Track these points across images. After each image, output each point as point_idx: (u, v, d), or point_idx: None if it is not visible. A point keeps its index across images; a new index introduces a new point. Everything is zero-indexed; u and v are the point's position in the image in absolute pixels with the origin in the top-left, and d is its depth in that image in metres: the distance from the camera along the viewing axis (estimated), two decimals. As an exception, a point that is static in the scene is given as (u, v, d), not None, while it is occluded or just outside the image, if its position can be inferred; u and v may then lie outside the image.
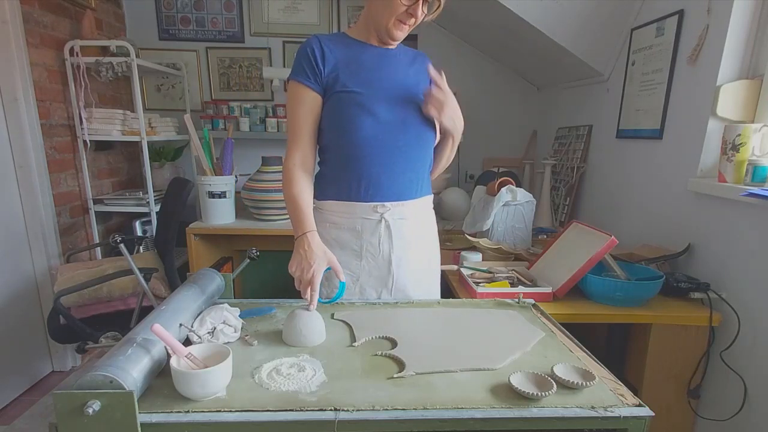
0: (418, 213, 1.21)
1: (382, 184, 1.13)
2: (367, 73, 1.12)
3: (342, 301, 1.14)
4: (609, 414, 0.69)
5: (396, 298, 1.19)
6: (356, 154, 1.11)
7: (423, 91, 1.13)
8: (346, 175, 1.14)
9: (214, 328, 0.89)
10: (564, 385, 0.74)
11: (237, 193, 2.32)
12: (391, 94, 1.12)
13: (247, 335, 0.92)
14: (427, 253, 1.26)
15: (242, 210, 2.36)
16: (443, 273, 1.71)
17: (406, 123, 1.12)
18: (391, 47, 1.17)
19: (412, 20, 1.07)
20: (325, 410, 0.68)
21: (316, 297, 0.98)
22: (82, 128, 2.26)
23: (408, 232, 1.18)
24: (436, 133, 1.18)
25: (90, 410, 0.60)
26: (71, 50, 2.19)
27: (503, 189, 1.93)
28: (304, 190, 1.11)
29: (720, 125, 1.44)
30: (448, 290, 1.63)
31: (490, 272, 1.59)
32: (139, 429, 0.63)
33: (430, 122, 1.15)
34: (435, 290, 1.30)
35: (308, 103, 1.11)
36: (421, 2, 1.04)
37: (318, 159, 1.20)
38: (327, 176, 1.19)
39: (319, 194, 1.20)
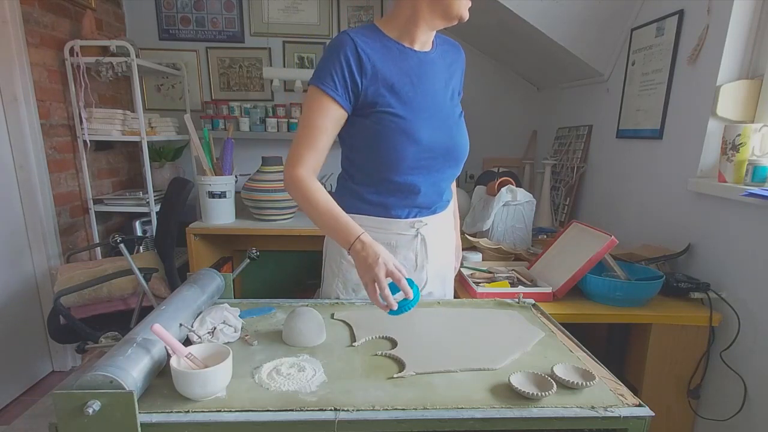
0: (444, 224, 1.19)
1: (421, 204, 1.09)
2: (409, 88, 1.00)
3: (342, 301, 1.14)
4: (609, 414, 0.69)
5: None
6: (397, 180, 1.04)
7: (455, 93, 1.10)
8: (383, 196, 1.07)
9: (214, 328, 0.89)
10: (564, 385, 0.74)
11: (237, 193, 2.32)
12: (434, 114, 1.03)
13: (247, 335, 0.92)
14: (449, 254, 1.26)
15: (242, 210, 2.36)
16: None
17: (449, 147, 1.06)
18: (427, 50, 1.05)
19: None
20: (325, 410, 0.68)
21: (391, 298, 0.86)
22: (82, 128, 2.26)
23: (438, 240, 1.16)
24: (468, 143, 1.14)
25: (90, 410, 0.60)
26: (71, 50, 2.19)
27: (503, 189, 1.93)
28: (329, 197, 0.99)
29: (720, 125, 1.44)
30: (448, 290, 1.63)
31: (490, 272, 1.59)
32: (139, 429, 0.63)
33: (466, 140, 1.11)
34: (450, 289, 1.30)
35: (332, 116, 0.98)
36: None
37: (344, 172, 1.13)
38: (358, 193, 1.09)
39: (349, 207, 1.04)
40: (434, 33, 1.06)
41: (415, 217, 1.10)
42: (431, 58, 1.05)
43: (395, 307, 0.87)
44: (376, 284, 0.86)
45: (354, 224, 0.94)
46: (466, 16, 0.99)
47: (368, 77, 0.97)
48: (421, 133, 1.00)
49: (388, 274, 0.87)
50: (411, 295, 0.87)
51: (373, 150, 1.02)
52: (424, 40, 1.03)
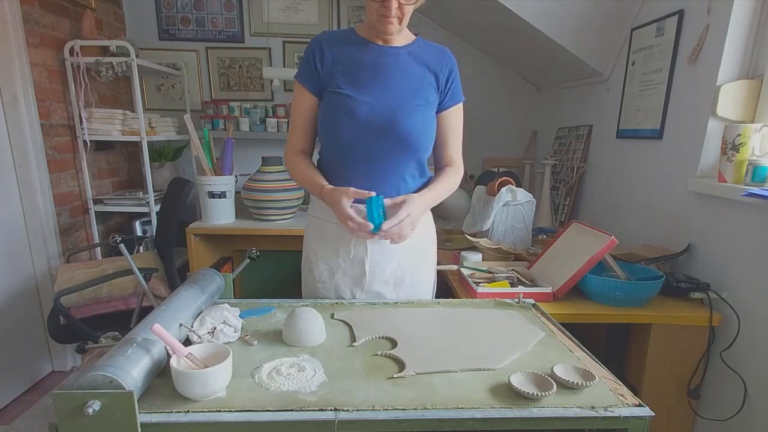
0: None
1: (359, 187, 1.10)
2: (363, 74, 1.11)
3: (342, 301, 1.15)
4: (609, 414, 0.69)
5: (369, 298, 1.19)
6: (336, 156, 1.14)
7: (424, 88, 1.12)
8: (328, 174, 1.16)
9: (214, 328, 0.89)
10: (564, 385, 0.74)
11: (237, 193, 2.32)
12: (381, 97, 1.10)
13: (247, 335, 0.92)
14: (412, 259, 1.21)
15: (242, 210, 2.36)
16: (443, 273, 1.71)
17: (389, 128, 1.09)
18: (396, 45, 1.14)
19: (392, 12, 1.03)
20: (325, 410, 0.68)
21: (362, 221, 1.01)
22: (82, 128, 2.26)
23: (389, 244, 1.15)
24: (428, 142, 1.15)
25: (90, 410, 0.60)
26: (71, 50, 2.19)
27: (503, 189, 1.93)
28: (309, 163, 1.19)
29: (720, 125, 1.44)
30: (448, 290, 1.63)
31: (490, 272, 1.59)
32: (139, 429, 0.63)
33: (420, 128, 1.12)
34: (423, 296, 1.27)
35: (305, 102, 1.16)
36: None
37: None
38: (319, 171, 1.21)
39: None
40: (410, 36, 1.16)
41: (355, 202, 1.10)
42: (396, 52, 1.14)
43: (370, 226, 1.01)
44: (348, 222, 1.03)
45: (320, 181, 1.13)
46: (385, 30, 1.08)
47: (327, 65, 1.13)
48: (359, 110, 1.09)
49: (351, 196, 1.03)
50: (370, 228, 1.01)
51: (322, 127, 1.15)
52: (394, 34, 1.11)
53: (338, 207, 1.04)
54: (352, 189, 1.04)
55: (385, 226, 1.02)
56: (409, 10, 1.05)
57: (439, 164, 1.23)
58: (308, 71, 1.14)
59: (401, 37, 1.14)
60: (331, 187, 1.09)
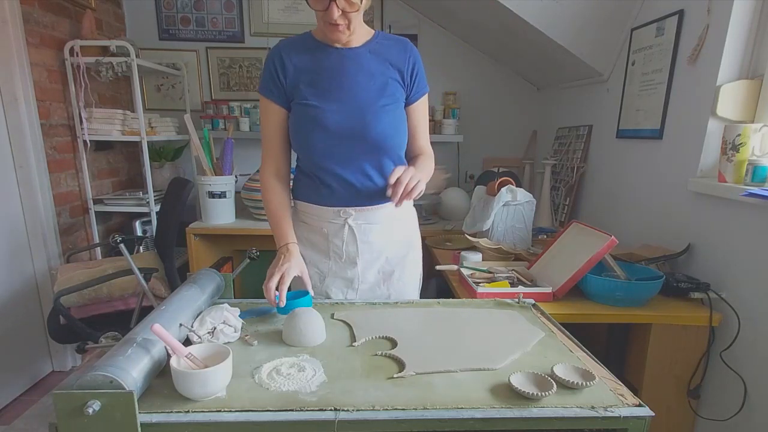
0: (388, 219, 1.20)
1: (340, 192, 1.14)
2: (327, 81, 1.10)
3: (342, 301, 1.15)
4: (609, 414, 0.69)
5: (361, 299, 1.20)
6: (315, 165, 1.14)
7: (389, 85, 1.11)
8: (310, 181, 1.17)
9: (214, 328, 0.89)
10: (564, 385, 0.74)
11: (237, 193, 2.32)
12: (348, 102, 1.09)
13: (247, 335, 0.92)
14: (400, 253, 1.24)
15: (242, 210, 2.36)
16: (443, 273, 1.71)
17: (361, 134, 1.09)
18: (354, 46, 1.12)
19: (336, 20, 1.00)
20: (325, 410, 0.68)
21: (282, 294, 0.98)
22: (82, 128, 2.26)
23: (377, 237, 1.18)
24: (402, 140, 1.15)
25: (90, 410, 0.60)
26: (71, 50, 2.19)
27: (503, 189, 1.93)
28: (281, 201, 1.16)
29: (720, 125, 1.44)
30: (448, 290, 1.63)
31: (490, 272, 1.59)
32: (139, 429, 0.63)
33: (391, 129, 1.12)
34: (412, 294, 1.28)
35: (274, 115, 1.14)
36: (332, 5, 0.98)
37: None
38: (299, 179, 1.22)
39: (295, 193, 1.23)
40: (368, 32, 1.14)
41: (341, 206, 1.14)
42: (356, 52, 1.12)
43: (273, 304, 0.98)
44: (268, 282, 0.99)
45: (289, 232, 1.12)
46: (335, 39, 1.07)
47: (290, 76, 1.11)
48: (328, 120, 1.08)
49: (282, 275, 1.00)
50: (280, 303, 0.98)
51: (295, 140, 1.14)
52: (345, 40, 1.10)
53: (286, 268, 1.01)
54: (305, 278, 1.05)
55: (392, 179, 1.00)
56: (354, 16, 1.03)
57: (410, 155, 1.23)
58: (272, 83, 1.12)
59: (359, 35, 1.11)
60: (293, 251, 1.08)
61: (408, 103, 1.17)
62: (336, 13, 0.99)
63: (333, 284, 1.21)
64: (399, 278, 1.24)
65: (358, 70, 1.11)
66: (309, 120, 1.09)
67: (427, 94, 1.21)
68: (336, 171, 1.12)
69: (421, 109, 1.20)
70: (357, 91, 1.10)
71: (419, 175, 1.03)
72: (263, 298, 1.14)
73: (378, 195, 1.15)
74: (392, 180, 1.00)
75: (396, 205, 1.02)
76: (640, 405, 0.71)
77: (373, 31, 1.16)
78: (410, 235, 1.28)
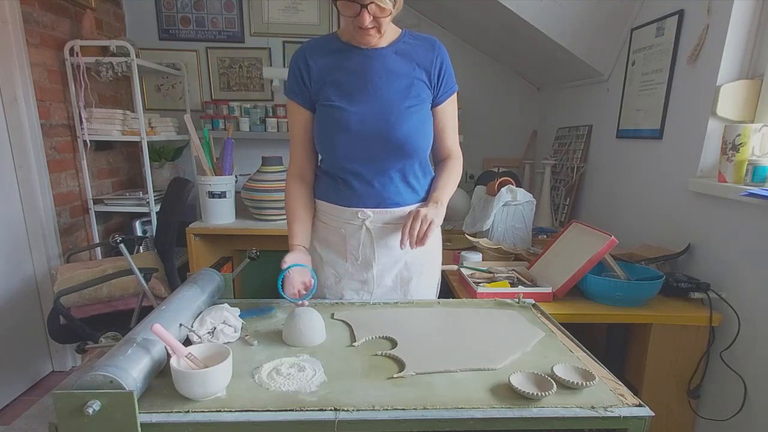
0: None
1: (360, 193, 1.13)
2: (351, 83, 1.09)
3: (342, 301, 1.15)
4: (609, 414, 0.69)
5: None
6: (337, 165, 1.13)
7: (414, 86, 1.10)
8: (332, 180, 1.16)
9: (214, 328, 0.89)
10: (564, 385, 0.74)
11: (237, 193, 2.32)
12: (372, 104, 1.08)
13: (247, 335, 0.92)
14: (419, 259, 1.21)
15: (242, 210, 2.36)
16: (443, 273, 1.71)
17: (385, 135, 1.07)
18: (380, 46, 1.10)
19: (368, 24, 0.99)
20: (325, 410, 0.68)
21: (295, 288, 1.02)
22: (82, 128, 2.26)
23: (394, 239, 1.16)
24: (426, 142, 1.14)
25: (90, 410, 0.60)
26: (71, 50, 2.19)
27: (503, 189, 1.93)
28: (299, 203, 1.18)
29: (720, 125, 1.44)
30: (448, 290, 1.63)
31: (490, 272, 1.59)
32: (139, 429, 0.63)
33: (415, 131, 1.10)
34: (428, 296, 1.26)
35: (299, 117, 1.15)
36: (363, 11, 0.97)
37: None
38: (321, 178, 1.21)
39: (316, 192, 1.22)
40: (395, 31, 1.13)
41: (359, 208, 1.14)
42: (381, 53, 1.10)
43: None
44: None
45: (300, 235, 1.14)
46: (365, 42, 1.06)
47: (314, 78, 1.11)
48: (351, 121, 1.07)
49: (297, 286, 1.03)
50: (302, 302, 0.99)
51: (318, 140, 1.14)
52: (375, 43, 1.09)
53: (286, 258, 1.04)
54: (307, 263, 1.08)
55: (404, 229, 1.03)
56: (384, 21, 1.01)
57: (437, 157, 1.22)
58: (297, 86, 1.12)
59: (385, 36, 1.10)
60: (296, 251, 1.10)
61: (436, 103, 1.15)
62: (367, 20, 0.98)
63: (348, 286, 1.19)
64: (417, 285, 1.22)
65: (383, 71, 1.09)
66: (333, 121, 1.08)
67: (456, 93, 1.18)
68: (358, 171, 1.11)
69: (449, 109, 1.17)
70: (381, 93, 1.09)
71: (434, 213, 1.05)
72: (263, 298, 1.14)
73: (394, 198, 1.14)
74: (405, 231, 1.03)
75: (411, 248, 1.05)
76: (640, 405, 0.71)
77: (399, 31, 1.13)
78: (432, 240, 1.22)
